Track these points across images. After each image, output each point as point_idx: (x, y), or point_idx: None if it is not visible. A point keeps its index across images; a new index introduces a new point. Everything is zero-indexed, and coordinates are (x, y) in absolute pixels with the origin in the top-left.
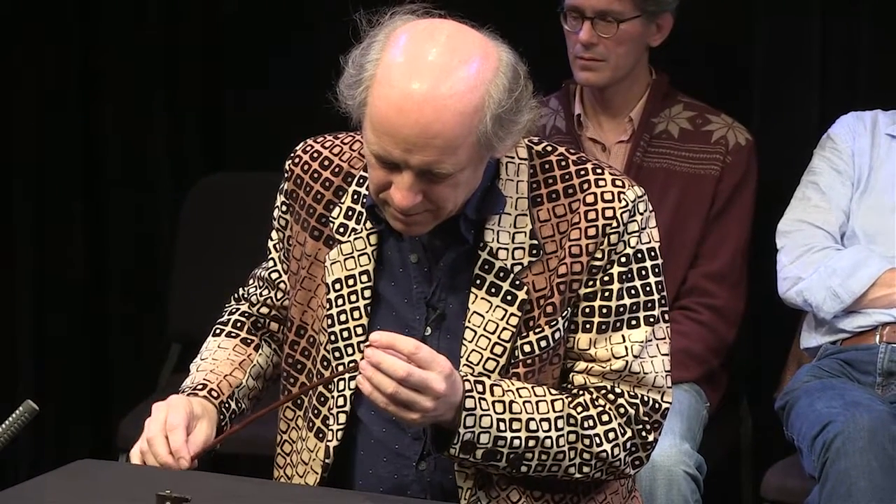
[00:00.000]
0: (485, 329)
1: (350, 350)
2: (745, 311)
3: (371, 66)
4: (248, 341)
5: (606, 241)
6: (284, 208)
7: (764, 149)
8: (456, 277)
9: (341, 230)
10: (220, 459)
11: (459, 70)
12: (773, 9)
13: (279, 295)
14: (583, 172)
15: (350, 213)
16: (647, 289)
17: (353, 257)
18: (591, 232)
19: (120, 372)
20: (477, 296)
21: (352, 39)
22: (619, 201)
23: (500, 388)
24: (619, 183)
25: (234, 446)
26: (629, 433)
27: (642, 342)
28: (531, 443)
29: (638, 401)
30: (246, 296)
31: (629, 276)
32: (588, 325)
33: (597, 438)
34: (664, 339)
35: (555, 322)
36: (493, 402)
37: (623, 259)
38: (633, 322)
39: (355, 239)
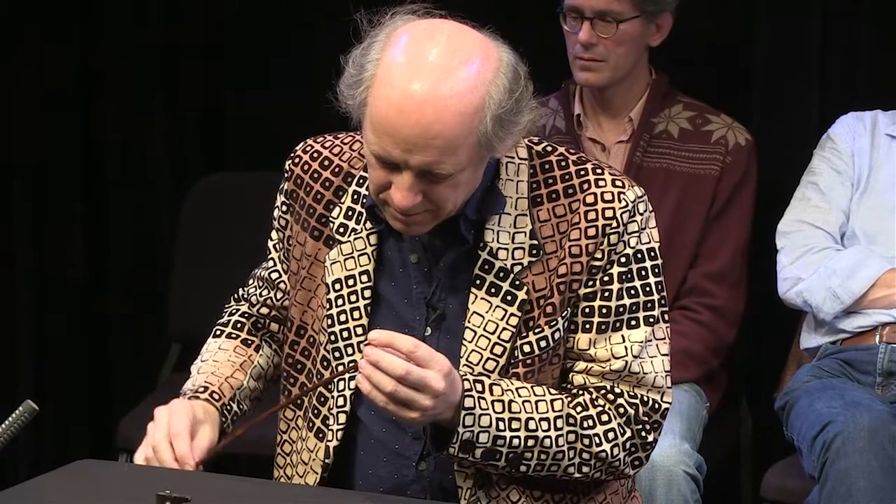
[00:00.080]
0: (484, 329)
1: (350, 350)
2: (744, 312)
3: (371, 66)
4: (249, 342)
5: (606, 242)
6: (284, 208)
7: (764, 149)
8: (456, 277)
9: (341, 230)
10: (220, 460)
11: (460, 70)
12: (773, 9)
13: (279, 295)
14: (583, 172)
15: (350, 213)
16: (647, 289)
17: (353, 257)
18: (591, 232)
19: (120, 372)
20: (477, 296)
21: (352, 39)
22: (619, 201)
23: (500, 387)
24: (619, 183)
25: (235, 447)
26: (629, 433)
27: (642, 342)
28: (530, 442)
29: (637, 401)
30: (246, 296)
31: (629, 276)
32: (588, 326)
33: (596, 438)
34: (664, 339)
35: (554, 322)
36: (493, 402)
37: (623, 259)
38: (633, 322)
39: (355, 239)
